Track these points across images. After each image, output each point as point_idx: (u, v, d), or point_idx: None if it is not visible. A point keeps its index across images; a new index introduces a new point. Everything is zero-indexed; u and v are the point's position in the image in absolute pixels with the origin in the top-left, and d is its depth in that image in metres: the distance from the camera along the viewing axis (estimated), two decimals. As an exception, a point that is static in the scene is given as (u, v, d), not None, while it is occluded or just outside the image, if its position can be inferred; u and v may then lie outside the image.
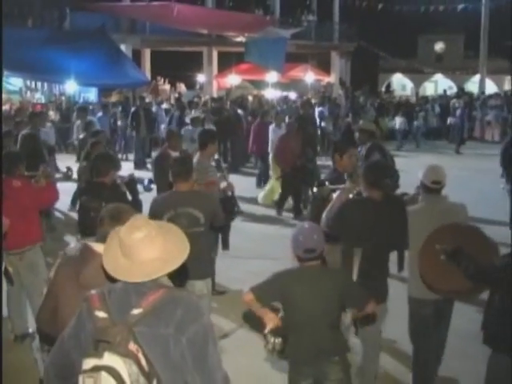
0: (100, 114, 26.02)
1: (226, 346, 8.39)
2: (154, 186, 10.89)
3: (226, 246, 11.88)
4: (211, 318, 4.09)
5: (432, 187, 7.32)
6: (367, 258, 6.88)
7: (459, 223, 6.95)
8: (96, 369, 3.39)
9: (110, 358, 3.38)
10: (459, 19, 57.37)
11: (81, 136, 16.18)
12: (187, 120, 23.91)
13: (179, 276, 3.96)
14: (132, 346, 3.42)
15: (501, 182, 18.13)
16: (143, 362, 3.42)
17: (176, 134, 11.89)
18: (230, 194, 10.25)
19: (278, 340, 5.63)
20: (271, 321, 5.68)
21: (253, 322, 6.71)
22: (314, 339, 5.61)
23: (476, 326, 6.31)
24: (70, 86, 27.73)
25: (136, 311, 3.55)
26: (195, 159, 9.94)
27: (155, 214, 7.71)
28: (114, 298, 3.68)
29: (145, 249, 3.68)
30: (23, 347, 8.44)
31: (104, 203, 7.92)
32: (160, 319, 3.55)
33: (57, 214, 15.76)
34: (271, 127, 18.90)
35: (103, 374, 3.36)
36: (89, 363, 3.43)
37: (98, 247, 4.67)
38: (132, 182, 10.51)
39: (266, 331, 5.71)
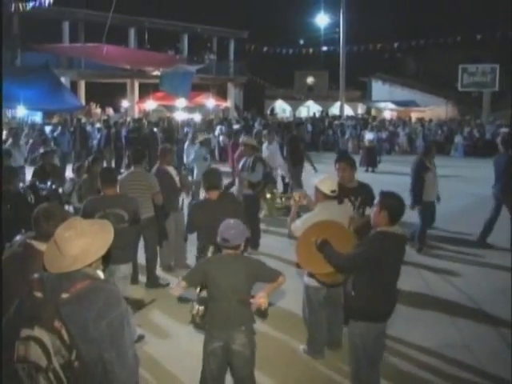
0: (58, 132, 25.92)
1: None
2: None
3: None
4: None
5: (330, 195, 7.16)
6: None
7: (328, 221, 6.67)
8: (27, 338, 3.41)
9: (38, 331, 3.40)
10: (324, 60, 58.85)
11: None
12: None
13: (104, 259, 3.89)
14: (57, 323, 3.40)
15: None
16: (65, 336, 3.39)
17: (170, 150, 10.97)
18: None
19: (202, 307, 5.71)
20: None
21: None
22: (226, 310, 5.56)
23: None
24: (20, 110, 27.31)
25: (64, 295, 3.50)
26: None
27: (88, 213, 7.55)
28: (49, 282, 3.60)
29: (67, 246, 3.64)
30: None
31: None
32: (83, 304, 3.49)
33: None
34: (264, 145, 16.38)
35: (32, 343, 3.39)
36: (23, 333, 3.45)
37: (40, 245, 4.51)
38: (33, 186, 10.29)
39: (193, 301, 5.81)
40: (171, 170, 10.73)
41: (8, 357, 3.54)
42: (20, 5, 28.97)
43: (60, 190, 11.81)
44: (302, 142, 16.80)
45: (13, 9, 30.09)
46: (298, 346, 7.59)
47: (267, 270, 5.80)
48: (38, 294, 3.55)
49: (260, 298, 5.53)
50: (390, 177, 22.06)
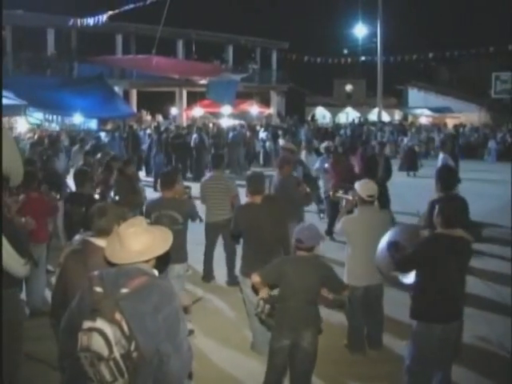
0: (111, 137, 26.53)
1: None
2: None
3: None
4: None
5: (367, 200, 7.18)
6: None
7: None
8: (90, 329, 3.49)
9: (100, 323, 3.47)
10: (362, 68, 58.51)
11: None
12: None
13: (162, 261, 4.00)
14: (117, 316, 3.47)
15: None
16: (125, 328, 3.47)
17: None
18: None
19: (268, 306, 5.67)
20: (263, 292, 5.74)
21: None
22: (296, 309, 5.56)
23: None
24: (77, 118, 27.71)
25: (123, 290, 3.58)
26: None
27: (146, 213, 7.79)
28: (108, 278, 3.70)
29: (131, 241, 3.77)
30: (38, 321, 7.54)
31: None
32: (140, 298, 3.58)
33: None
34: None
35: (94, 333, 3.46)
36: (86, 325, 3.52)
37: (97, 241, 4.64)
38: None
39: (259, 298, 5.79)
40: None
41: (71, 346, 3.64)
42: (78, 21, 29.33)
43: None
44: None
45: (71, 24, 30.45)
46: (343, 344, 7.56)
47: (336, 280, 5.81)
48: (99, 289, 3.63)
49: (329, 293, 5.62)
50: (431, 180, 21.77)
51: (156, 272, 3.93)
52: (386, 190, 12.02)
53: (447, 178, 7.86)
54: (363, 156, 14.15)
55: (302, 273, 5.59)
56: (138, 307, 3.55)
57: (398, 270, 6.25)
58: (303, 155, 15.84)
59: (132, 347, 3.48)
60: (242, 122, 37.10)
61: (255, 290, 6.26)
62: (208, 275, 10.43)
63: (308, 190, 10.04)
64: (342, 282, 5.83)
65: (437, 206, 5.78)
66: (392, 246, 6.12)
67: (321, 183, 14.63)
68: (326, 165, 13.81)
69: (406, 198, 14.26)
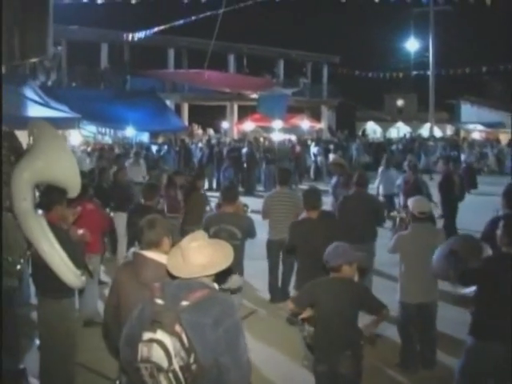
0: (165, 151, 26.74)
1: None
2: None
3: None
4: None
5: (419, 216, 7.17)
6: None
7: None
8: (150, 340, 3.50)
9: (160, 334, 3.49)
10: (414, 83, 57.83)
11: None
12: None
13: (222, 275, 3.98)
14: (178, 328, 3.49)
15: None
16: (185, 340, 3.48)
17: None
18: None
19: (311, 329, 5.53)
20: (306, 313, 5.55)
21: (295, 319, 6.43)
22: (330, 333, 5.39)
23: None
24: (129, 131, 27.91)
25: (184, 303, 3.60)
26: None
27: (205, 227, 7.71)
28: (169, 290, 3.73)
29: (194, 255, 3.81)
30: (91, 331, 7.90)
31: None
32: (201, 311, 3.60)
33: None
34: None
35: (155, 345, 3.47)
36: (146, 336, 3.53)
37: (147, 253, 4.68)
38: None
39: (302, 318, 5.60)
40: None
41: (131, 356, 3.68)
42: (131, 35, 29.56)
43: None
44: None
45: (124, 38, 30.71)
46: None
47: (372, 300, 5.59)
48: (159, 301, 3.66)
49: (368, 327, 5.47)
50: (488, 198, 20.96)
51: (216, 285, 3.95)
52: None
53: None
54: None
55: (333, 295, 5.42)
56: (198, 320, 3.58)
57: (458, 283, 6.09)
58: (380, 171, 15.54)
59: (191, 359, 3.49)
60: (291, 138, 36.93)
61: (296, 315, 6.13)
62: (275, 297, 10.14)
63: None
64: (380, 302, 5.55)
65: (501, 224, 5.64)
66: (452, 255, 5.94)
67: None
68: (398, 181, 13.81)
69: (467, 216, 13.80)
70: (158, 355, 3.47)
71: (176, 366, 3.46)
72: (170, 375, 3.46)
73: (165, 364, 3.45)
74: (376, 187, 15.06)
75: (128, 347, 3.83)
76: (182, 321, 3.52)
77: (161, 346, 3.47)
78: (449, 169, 14.55)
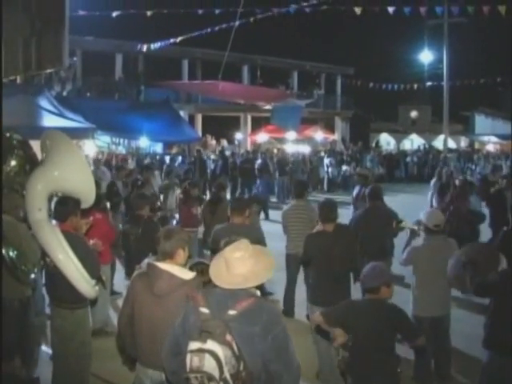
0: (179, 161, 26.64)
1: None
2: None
3: None
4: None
5: (433, 229, 7.13)
6: None
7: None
8: (201, 351, 3.55)
9: (212, 344, 3.53)
10: (428, 94, 57.70)
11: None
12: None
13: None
14: (228, 337, 3.55)
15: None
16: (235, 349, 3.54)
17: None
18: None
19: (347, 353, 5.22)
20: (341, 336, 5.21)
21: (322, 333, 6.23)
22: (364, 359, 5.10)
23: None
24: (143, 142, 28.00)
25: (231, 312, 3.65)
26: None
27: (215, 239, 7.72)
28: (213, 299, 3.78)
29: (238, 265, 3.83)
30: (101, 341, 7.68)
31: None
32: (249, 320, 3.66)
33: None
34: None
35: (206, 355, 3.52)
36: (194, 345, 3.58)
37: (161, 264, 4.66)
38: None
39: (337, 344, 5.28)
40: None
41: (176, 365, 3.79)
42: (145, 46, 29.68)
43: None
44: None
45: (138, 49, 30.84)
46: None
47: (409, 326, 5.38)
48: (205, 310, 3.72)
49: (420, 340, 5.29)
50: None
51: (259, 292, 3.97)
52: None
53: None
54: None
55: (366, 318, 5.15)
56: (247, 329, 3.65)
57: (473, 294, 6.09)
58: (432, 183, 15.84)
59: (241, 367, 3.56)
60: (303, 151, 36.90)
61: (320, 331, 6.01)
62: (289, 311, 9.97)
63: None
64: (416, 329, 5.44)
65: None
66: (470, 264, 5.91)
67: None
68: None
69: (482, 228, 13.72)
70: (209, 365, 3.53)
71: (227, 374, 3.52)
72: None
73: (216, 373, 3.51)
74: (429, 200, 15.55)
75: (173, 357, 3.89)
76: (231, 330, 3.58)
77: (213, 356, 3.53)
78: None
